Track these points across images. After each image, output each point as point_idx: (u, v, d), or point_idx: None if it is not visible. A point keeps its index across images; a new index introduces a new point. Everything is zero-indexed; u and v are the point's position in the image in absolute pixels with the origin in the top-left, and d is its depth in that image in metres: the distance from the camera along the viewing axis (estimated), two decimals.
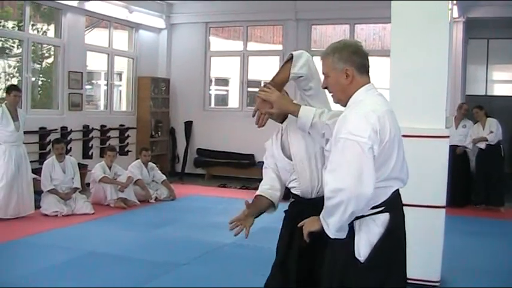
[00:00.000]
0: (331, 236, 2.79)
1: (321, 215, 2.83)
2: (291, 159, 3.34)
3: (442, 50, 5.44)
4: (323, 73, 2.98)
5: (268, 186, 3.50)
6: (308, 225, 2.94)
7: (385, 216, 2.81)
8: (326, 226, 2.78)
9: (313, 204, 3.13)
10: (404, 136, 5.51)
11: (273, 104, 3.24)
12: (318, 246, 3.02)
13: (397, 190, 2.88)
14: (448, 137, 5.49)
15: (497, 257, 6.92)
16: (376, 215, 2.80)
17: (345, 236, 2.78)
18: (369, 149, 2.65)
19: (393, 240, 2.86)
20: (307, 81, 3.23)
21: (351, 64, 2.86)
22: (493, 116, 10.83)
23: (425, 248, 5.41)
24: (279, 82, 3.29)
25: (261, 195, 3.49)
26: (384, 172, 2.77)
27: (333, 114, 3.09)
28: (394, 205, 2.85)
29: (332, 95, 3.00)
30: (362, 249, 2.78)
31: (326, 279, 2.95)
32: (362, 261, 2.77)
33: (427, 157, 5.39)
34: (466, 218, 9.22)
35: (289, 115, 3.29)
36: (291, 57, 3.21)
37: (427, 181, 5.39)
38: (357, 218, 2.76)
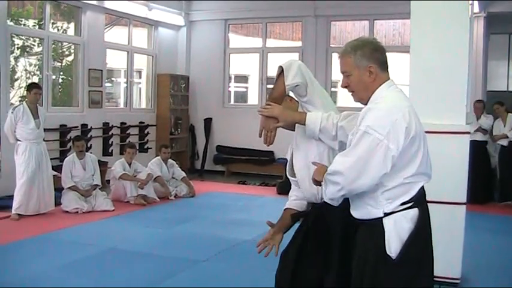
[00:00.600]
0: (324, 199, 2.87)
1: (324, 175, 2.84)
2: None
3: (462, 45, 5.39)
4: (343, 72, 2.94)
5: (294, 197, 3.55)
6: (315, 174, 2.93)
7: (415, 212, 2.81)
8: (324, 188, 2.83)
9: (325, 208, 3.12)
10: (426, 132, 5.51)
11: (277, 118, 3.23)
12: (328, 251, 3.09)
13: (423, 185, 2.87)
14: (468, 133, 5.45)
15: None
16: (406, 211, 2.79)
17: (337, 204, 2.86)
18: (382, 146, 2.66)
19: (423, 236, 2.86)
20: (304, 88, 3.21)
21: (374, 61, 2.84)
22: None
23: (446, 245, 5.35)
24: (277, 97, 3.27)
25: (289, 208, 3.53)
26: (412, 167, 2.78)
27: (347, 115, 3.11)
28: (421, 200, 2.85)
29: (353, 94, 2.96)
30: (393, 245, 2.77)
31: (357, 277, 2.91)
32: (393, 258, 2.76)
33: (447, 153, 5.35)
34: (487, 215, 9.14)
35: (296, 125, 3.29)
36: (282, 70, 3.20)
37: (447, 177, 5.35)
38: (387, 214, 2.78)
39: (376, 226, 2.78)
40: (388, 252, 2.77)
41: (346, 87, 2.96)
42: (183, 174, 10.74)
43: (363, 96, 2.91)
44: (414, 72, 5.51)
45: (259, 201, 10.10)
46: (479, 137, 10.10)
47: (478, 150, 9.87)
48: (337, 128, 3.13)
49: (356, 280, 2.92)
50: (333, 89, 13.84)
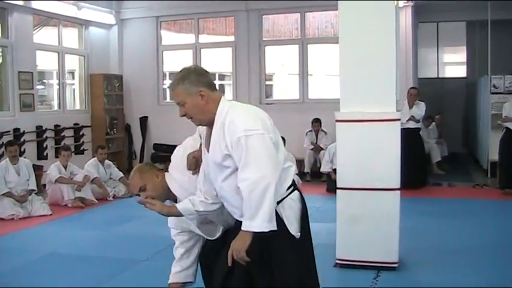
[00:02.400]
0: (266, 230, 2.92)
1: (243, 226, 2.97)
2: None
3: (389, 34, 5.49)
4: (177, 103, 3.14)
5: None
6: (238, 248, 2.97)
7: (297, 193, 3.19)
8: (257, 225, 2.91)
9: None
10: (356, 121, 5.64)
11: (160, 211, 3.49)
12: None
13: None
14: (399, 119, 5.55)
15: (453, 235, 7.05)
16: (292, 194, 3.16)
17: (275, 227, 2.95)
18: (267, 136, 2.95)
19: (306, 212, 3.25)
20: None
21: (202, 85, 3.08)
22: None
23: (382, 230, 5.49)
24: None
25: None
26: (281, 154, 3.10)
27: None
28: (294, 183, 3.21)
29: (192, 120, 3.16)
30: (293, 225, 3.12)
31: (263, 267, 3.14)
32: (296, 237, 3.12)
33: (379, 141, 5.46)
34: (422, 199, 9.36)
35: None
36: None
37: (380, 164, 5.47)
38: (278, 202, 3.03)
39: None
40: (292, 232, 3.10)
41: (184, 115, 3.14)
42: (121, 174, 10.63)
43: (202, 118, 3.14)
44: (344, 62, 5.59)
45: None
46: (411, 124, 10.31)
47: (411, 136, 10.09)
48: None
49: (264, 267, 3.14)
50: (267, 82, 13.91)
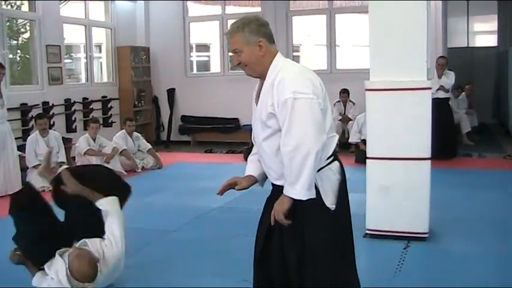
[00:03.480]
0: (305, 198, 2.87)
1: (284, 190, 2.92)
2: None
3: (419, 2, 5.41)
4: (233, 50, 3.06)
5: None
6: (278, 209, 2.94)
7: (337, 164, 3.10)
8: (296, 192, 2.86)
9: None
10: (386, 90, 5.56)
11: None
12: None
13: None
14: (430, 88, 5.49)
15: (482, 206, 6.99)
16: (331, 164, 3.05)
17: (315, 194, 2.90)
18: (315, 102, 2.86)
19: (345, 185, 3.15)
20: None
21: (262, 36, 2.98)
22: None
23: (413, 200, 5.46)
24: None
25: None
26: (328, 123, 3.00)
27: None
28: (336, 153, 3.12)
29: (245, 68, 3.06)
30: (329, 198, 3.01)
31: (297, 236, 3.04)
32: (332, 210, 3.01)
33: (410, 109, 5.41)
34: (452, 169, 9.28)
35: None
36: None
37: (411, 134, 5.42)
38: (317, 171, 2.94)
39: None
40: (328, 205, 3.00)
41: (238, 64, 3.06)
42: (149, 146, 10.70)
43: (255, 69, 3.03)
44: (373, 31, 5.51)
45: (226, 168, 10.06)
46: (440, 94, 10.16)
47: (440, 107, 9.95)
48: None
49: (296, 239, 3.04)
50: (294, 53, 13.82)
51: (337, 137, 3.13)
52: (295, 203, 2.89)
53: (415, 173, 5.46)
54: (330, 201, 3.01)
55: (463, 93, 12.97)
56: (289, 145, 2.82)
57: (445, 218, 6.18)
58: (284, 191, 2.91)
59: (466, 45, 16.81)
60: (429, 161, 5.47)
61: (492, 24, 16.92)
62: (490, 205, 7.04)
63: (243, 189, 3.23)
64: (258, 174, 3.25)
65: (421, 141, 5.42)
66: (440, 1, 11.97)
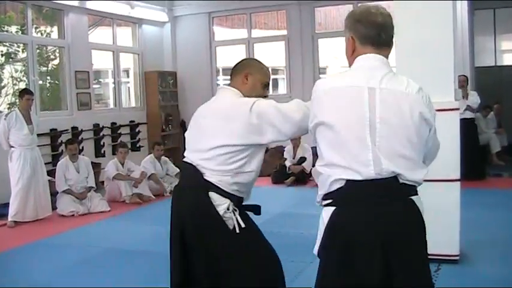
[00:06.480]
0: None
1: None
2: None
3: (446, 22, 5.39)
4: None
5: None
6: None
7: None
8: None
9: None
10: None
11: None
12: None
13: None
14: (458, 109, 5.45)
15: None
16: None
17: None
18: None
19: None
20: None
21: (354, 33, 2.54)
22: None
23: (443, 223, 5.37)
24: None
25: None
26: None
27: None
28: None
29: None
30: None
31: None
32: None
33: (439, 131, 5.32)
34: (482, 190, 9.17)
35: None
36: None
37: (440, 155, 5.33)
38: None
39: None
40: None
41: None
42: (177, 170, 10.69)
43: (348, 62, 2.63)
44: (400, 52, 5.49)
45: (254, 191, 10.08)
46: (467, 115, 10.10)
47: (468, 127, 9.89)
48: None
49: None
50: (321, 75, 13.82)
51: None
52: None
53: (445, 194, 5.39)
54: None
55: (492, 112, 12.85)
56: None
57: (476, 239, 6.09)
58: None
59: (493, 64, 16.67)
60: (459, 182, 5.42)
61: None
62: None
63: None
64: None
65: (451, 162, 5.37)
66: (467, 20, 11.92)
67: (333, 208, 2.43)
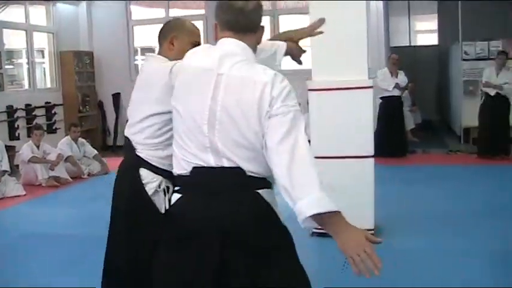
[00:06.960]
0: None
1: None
2: None
3: (360, 2, 5.50)
4: None
5: None
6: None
7: None
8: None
9: None
10: (328, 89, 5.63)
11: None
12: None
13: None
14: (371, 87, 5.57)
15: (428, 201, 7.14)
16: None
17: None
18: None
19: None
20: None
21: (216, 18, 2.58)
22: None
23: (358, 197, 5.52)
24: None
25: None
26: None
27: None
28: None
29: None
30: None
31: None
32: None
33: (352, 108, 5.48)
34: (403, 167, 9.45)
35: None
36: None
37: (354, 132, 5.49)
38: None
39: None
40: None
41: None
42: (95, 151, 10.56)
43: None
44: None
45: None
46: (396, 92, 10.43)
47: (394, 105, 10.25)
48: None
49: None
50: None
51: None
52: None
53: (360, 170, 5.53)
54: None
55: (406, 91, 13.20)
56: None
57: (391, 214, 6.27)
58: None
59: (408, 44, 17.13)
60: (372, 159, 5.56)
61: (433, 23, 17.29)
62: (435, 200, 7.18)
63: None
64: None
65: (365, 139, 5.51)
66: (382, 1, 12.16)
67: (179, 195, 2.43)
